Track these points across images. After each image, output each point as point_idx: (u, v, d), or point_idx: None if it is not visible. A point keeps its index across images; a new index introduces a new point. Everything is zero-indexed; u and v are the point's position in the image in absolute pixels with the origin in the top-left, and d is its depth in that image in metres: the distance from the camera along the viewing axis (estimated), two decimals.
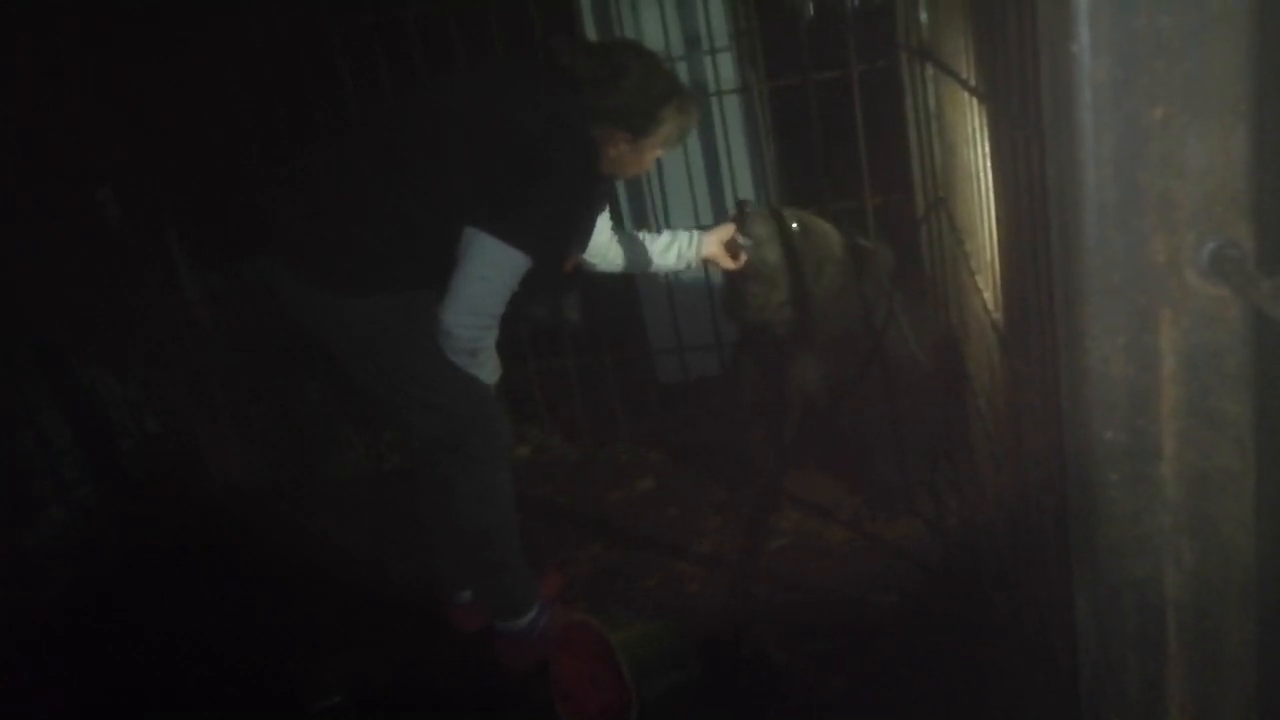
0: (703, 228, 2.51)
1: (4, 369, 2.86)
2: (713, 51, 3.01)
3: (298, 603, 2.41)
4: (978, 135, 1.74)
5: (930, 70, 2.39)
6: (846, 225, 2.59)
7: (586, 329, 3.67)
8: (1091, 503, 0.76)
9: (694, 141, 3.12)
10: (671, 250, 2.35)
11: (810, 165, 2.92)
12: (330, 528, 2.82)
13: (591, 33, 3.06)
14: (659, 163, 3.03)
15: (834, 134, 2.87)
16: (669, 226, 3.11)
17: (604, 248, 2.27)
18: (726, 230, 2.36)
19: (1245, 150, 0.63)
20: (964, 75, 1.82)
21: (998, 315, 1.73)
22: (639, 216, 3.20)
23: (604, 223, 2.24)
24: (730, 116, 3.06)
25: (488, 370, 1.97)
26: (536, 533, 2.68)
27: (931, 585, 2.10)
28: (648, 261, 2.35)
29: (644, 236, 2.35)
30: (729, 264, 2.36)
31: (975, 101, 1.73)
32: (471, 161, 1.82)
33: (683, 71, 3.05)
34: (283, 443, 3.28)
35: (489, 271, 1.81)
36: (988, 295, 1.84)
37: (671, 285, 3.20)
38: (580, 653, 1.93)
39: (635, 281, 3.25)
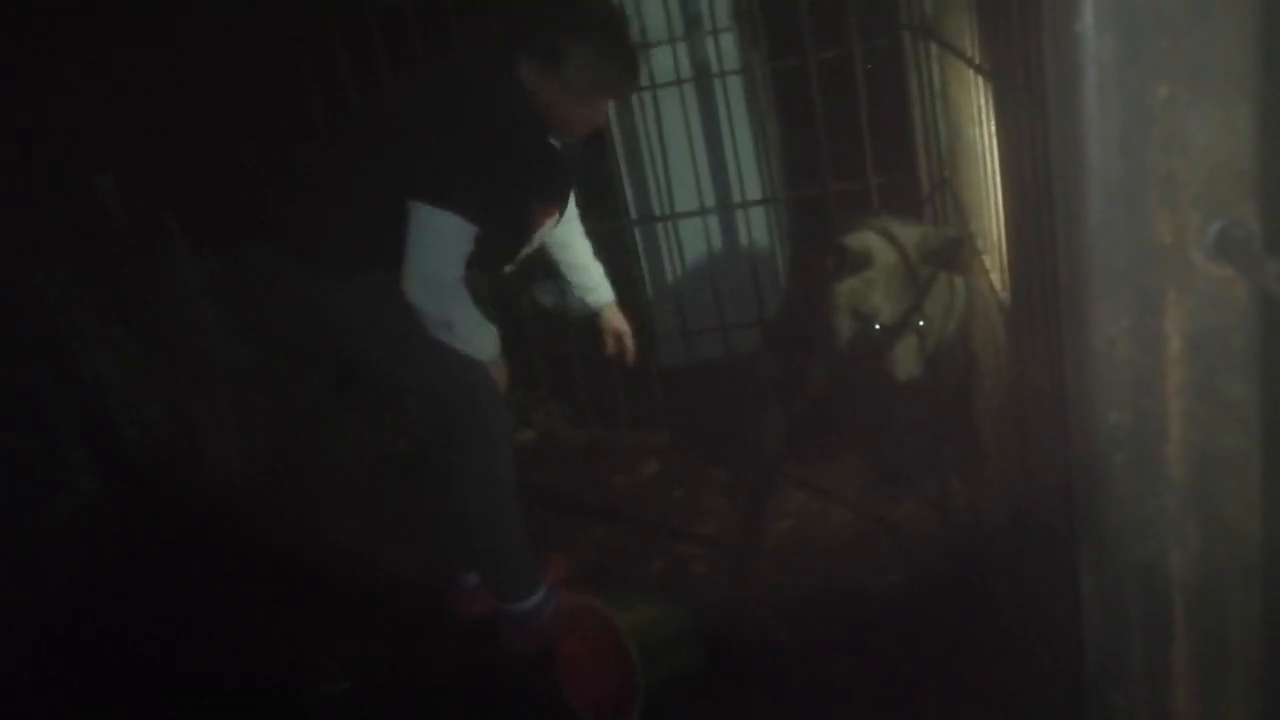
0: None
1: (5, 358, 2.87)
2: (715, 32, 2.98)
3: (301, 590, 2.41)
4: (983, 113, 1.73)
5: (934, 48, 2.37)
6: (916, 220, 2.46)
7: (590, 313, 3.66)
8: (1096, 484, 0.76)
9: (696, 123, 3.10)
10: (588, 282, 2.31)
11: (813, 146, 2.90)
12: (333, 514, 2.83)
13: None
14: (661, 144, 3.03)
15: (837, 114, 2.85)
16: (673, 209, 3.11)
17: (566, 237, 2.23)
18: (623, 327, 2.33)
19: (1250, 128, 0.62)
20: (968, 53, 1.81)
21: (1004, 295, 1.72)
22: (642, 199, 3.19)
23: (571, 211, 2.20)
24: (733, 97, 3.04)
25: (476, 344, 1.94)
26: (542, 517, 2.69)
27: (936, 566, 2.11)
28: (573, 274, 2.31)
29: (585, 253, 2.31)
30: (607, 345, 2.34)
31: (980, 79, 1.71)
32: (414, 135, 1.84)
33: (684, 53, 3.03)
34: (284, 429, 3.28)
35: (427, 238, 1.80)
36: (994, 275, 1.83)
37: (675, 269, 3.19)
38: (586, 636, 1.94)
39: (639, 266, 3.24)
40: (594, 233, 2.59)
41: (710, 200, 3.13)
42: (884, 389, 2.28)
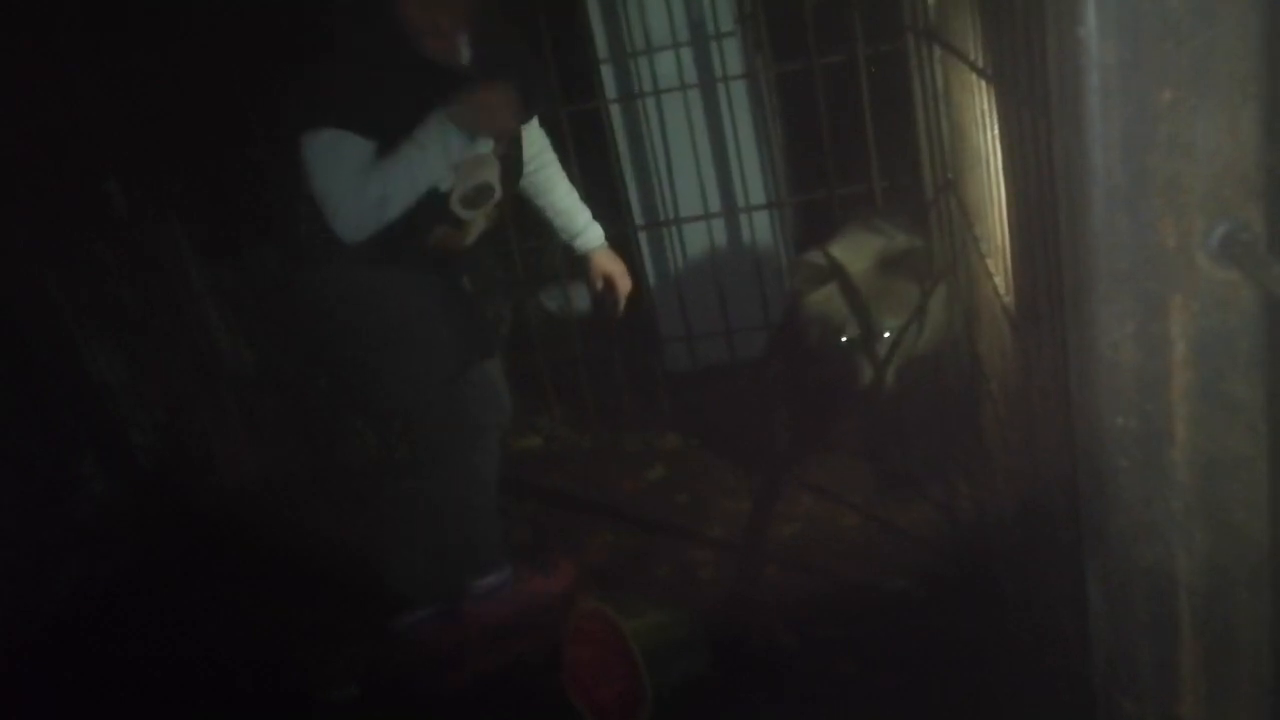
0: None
1: (16, 363, 2.88)
2: (718, 37, 2.99)
3: (310, 594, 2.42)
4: (986, 117, 1.73)
5: (938, 52, 2.37)
6: (886, 222, 2.48)
7: (594, 318, 3.67)
8: (1102, 488, 0.75)
9: (700, 128, 3.10)
10: (575, 226, 2.20)
11: (817, 150, 2.91)
12: (341, 519, 2.83)
13: (597, 18, 3.05)
14: (665, 149, 3.03)
15: (841, 118, 2.86)
16: (677, 214, 3.11)
17: (544, 181, 2.15)
18: (617, 268, 2.23)
19: (1255, 131, 0.62)
20: (972, 57, 1.81)
21: (1009, 299, 1.71)
22: (648, 205, 3.19)
23: (547, 156, 2.14)
24: (737, 102, 3.05)
25: (430, 162, 1.74)
26: (548, 522, 2.69)
27: (943, 571, 2.10)
28: (558, 219, 2.20)
29: (568, 196, 2.20)
30: (595, 288, 2.24)
31: (983, 83, 1.71)
32: (298, 89, 1.84)
33: (688, 57, 3.04)
34: (292, 434, 3.29)
35: (316, 164, 1.73)
36: (999, 279, 1.83)
37: (679, 273, 3.20)
38: (593, 641, 1.94)
39: (644, 270, 3.24)
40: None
41: (714, 205, 3.13)
42: (890, 393, 2.28)
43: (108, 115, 2.86)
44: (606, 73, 3.08)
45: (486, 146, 1.86)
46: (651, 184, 3.14)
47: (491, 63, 1.87)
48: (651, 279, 3.27)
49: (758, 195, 3.14)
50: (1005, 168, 1.57)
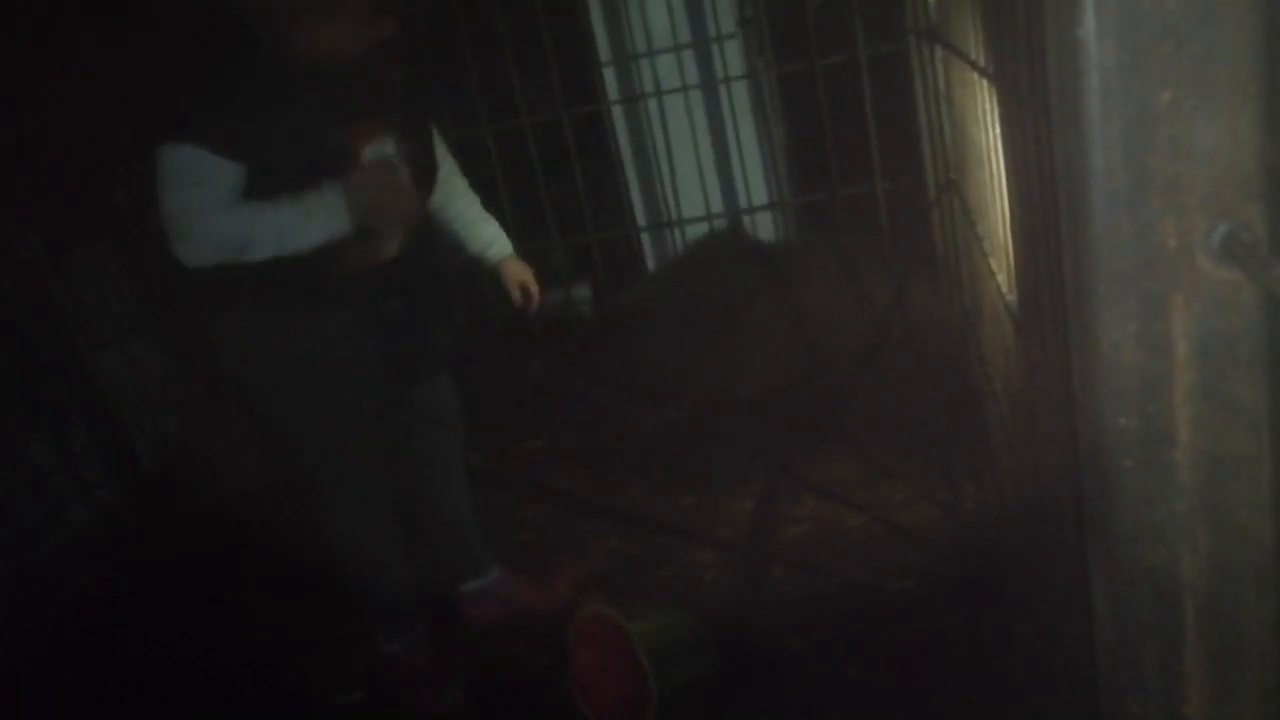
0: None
1: (21, 370, 2.89)
2: (720, 39, 2.99)
3: (315, 599, 2.42)
4: (988, 116, 1.73)
5: (939, 52, 2.37)
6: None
7: (597, 320, 3.67)
8: (1106, 489, 0.75)
9: (703, 129, 3.11)
10: (484, 238, 2.11)
11: (820, 150, 2.91)
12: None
13: (598, 19, 3.05)
14: (668, 151, 3.03)
15: (843, 118, 2.86)
16: (680, 215, 3.11)
17: (445, 195, 2.03)
18: (527, 276, 2.15)
19: (1255, 132, 0.62)
20: (973, 56, 1.81)
21: (1011, 298, 1.71)
22: (650, 205, 3.19)
23: (448, 167, 2.02)
24: (739, 103, 3.05)
25: (310, 228, 1.61)
26: (552, 525, 2.70)
27: (948, 571, 2.10)
28: (466, 231, 2.10)
29: (473, 206, 2.11)
30: (514, 298, 2.13)
31: (985, 82, 1.71)
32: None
33: (690, 59, 3.04)
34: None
35: (162, 179, 1.62)
36: (1001, 278, 1.83)
37: None
38: (598, 644, 1.94)
39: (644, 272, 3.24)
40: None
41: (717, 206, 3.14)
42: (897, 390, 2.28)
43: (115, 120, 2.86)
44: (609, 75, 3.08)
45: (390, 147, 1.76)
46: (654, 185, 3.14)
47: (374, 75, 1.74)
48: None
49: (760, 196, 3.14)
50: (1007, 167, 1.57)
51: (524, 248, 3.07)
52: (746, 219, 3.15)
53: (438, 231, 2.04)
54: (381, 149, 1.74)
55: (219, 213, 1.60)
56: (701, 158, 3.09)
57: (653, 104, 3.05)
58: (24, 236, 2.82)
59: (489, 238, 2.11)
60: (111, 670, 2.37)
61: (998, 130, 1.64)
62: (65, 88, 2.79)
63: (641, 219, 3.22)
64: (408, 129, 1.81)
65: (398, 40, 1.72)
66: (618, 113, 3.10)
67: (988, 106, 1.72)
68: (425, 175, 1.87)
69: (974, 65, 1.79)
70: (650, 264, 3.26)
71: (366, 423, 1.92)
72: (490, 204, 2.72)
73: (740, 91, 3.05)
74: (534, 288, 2.14)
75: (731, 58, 3.02)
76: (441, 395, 2.10)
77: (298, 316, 1.78)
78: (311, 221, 1.61)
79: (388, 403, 1.97)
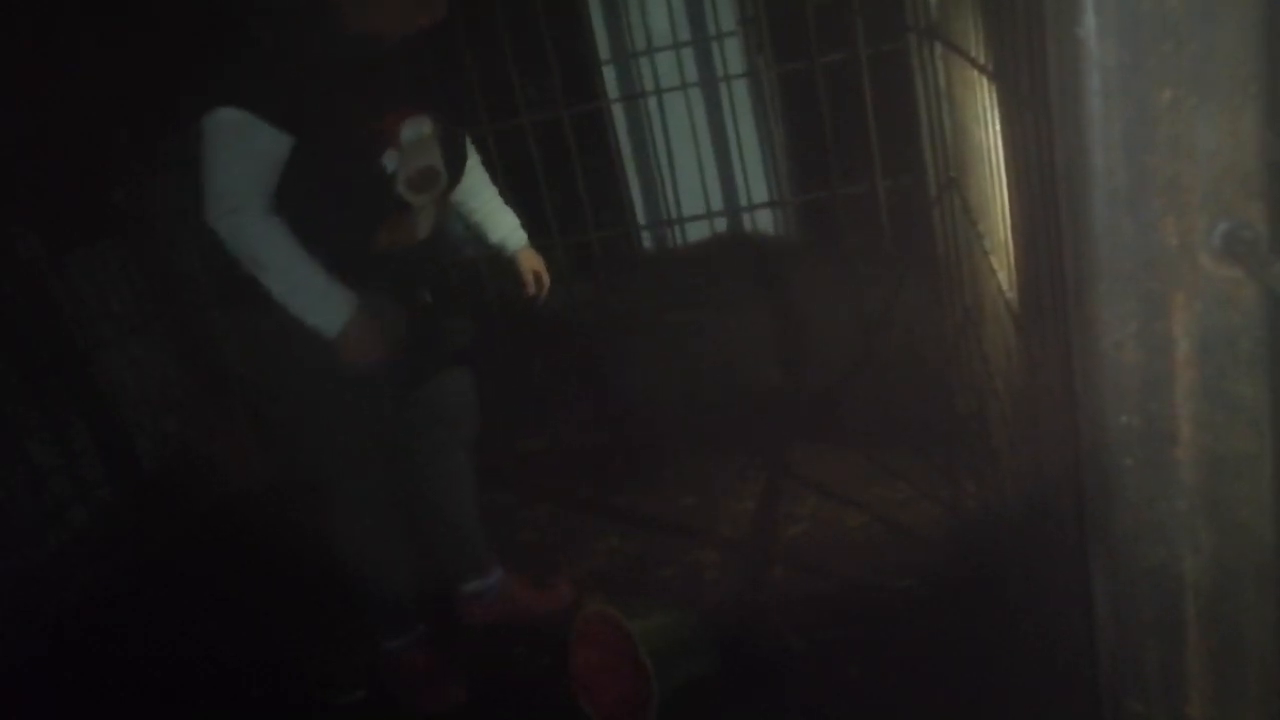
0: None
1: (23, 370, 2.89)
2: (720, 37, 2.99)
3: (316, 599, 2.42)
4: (988, 114, 1.73)
5: (939, 49, 2.37)
6: None
7: (597, 319, 3.67)
8: (1107, 488, 0.75)
9: (703, 127, 3.11)
10: (503, 229, 2.15)
11: (820, 149, 2.91)
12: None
13: (598, 19, 3.05)
14: (668, 149, 3.03)
15: (843, 116, 2.86)
16: (680, 213, 3.11)
17: (471, 185, 2.07)
18: (539, 265, 2.19)
19: (1256, 130, 0.62)
20: (973, 54, 1.80)
21: (1012, 296, 1.71)
22: (650, 203, 3.19)
23: (472, 159, 2.04)
24: (739, 101, 3.05)
25: (303, 300, 1.67)
26: (554, 525, 2.70)
27: (950, 570, 2.10)
28: (487, 222, 2.14)
29: (495, 198, 2.16)
30: (528, 285, 2.18)
31: (985, 80, 1.71)
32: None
33: (690, 58, 3.04)
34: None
35: (211, 148, 1.63)
36: (1002, 276, 1.83)
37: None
38: (599, 644, 1.94)
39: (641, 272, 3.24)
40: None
41: (717, 204, 3.14)
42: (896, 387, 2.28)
43: (115, 119, 2.86)
44: (608, 73, 3.08)
45: (427, 127, 1.78)
46: (654, 183, 3.14)
47: (415, 58, 1.81)
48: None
49: (760, 194, 3.14)
50: (1007, 165, 1.57)
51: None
52: (746, 217, 3.15)
53: (447, 229, 2.05)
54: (419, 129, 1.77)
55: (256, 209, 1.63)
56: (702, 155, 3.09)
57: (653, 102, 3.04)
58: (24, 236, 2.82)
59: (508, 228, 2.16)
60: (112, 670, 2.37)
61: (998, 128, 1.64)
62: (65, 86, 2.79)
63: (642, 217, 3.22)
64: (443, 113, 1.85)
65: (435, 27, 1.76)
66: (618, 111, 3.10)
67: (988, 104, 1.71)
68: (457, 160, 1.90)
69: (974, 63, 1.79)
70: (650, 262, 3.26)
71: (375, 418, 1.91)
72: None
73: (740, 89, 3.05)
74: (545, 277, 2.20)
75: (731, 56, 3.02)
76: (450, 393, 2.09)
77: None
78: (317, 306, 1.67)
79: (397, 399, 1.96)
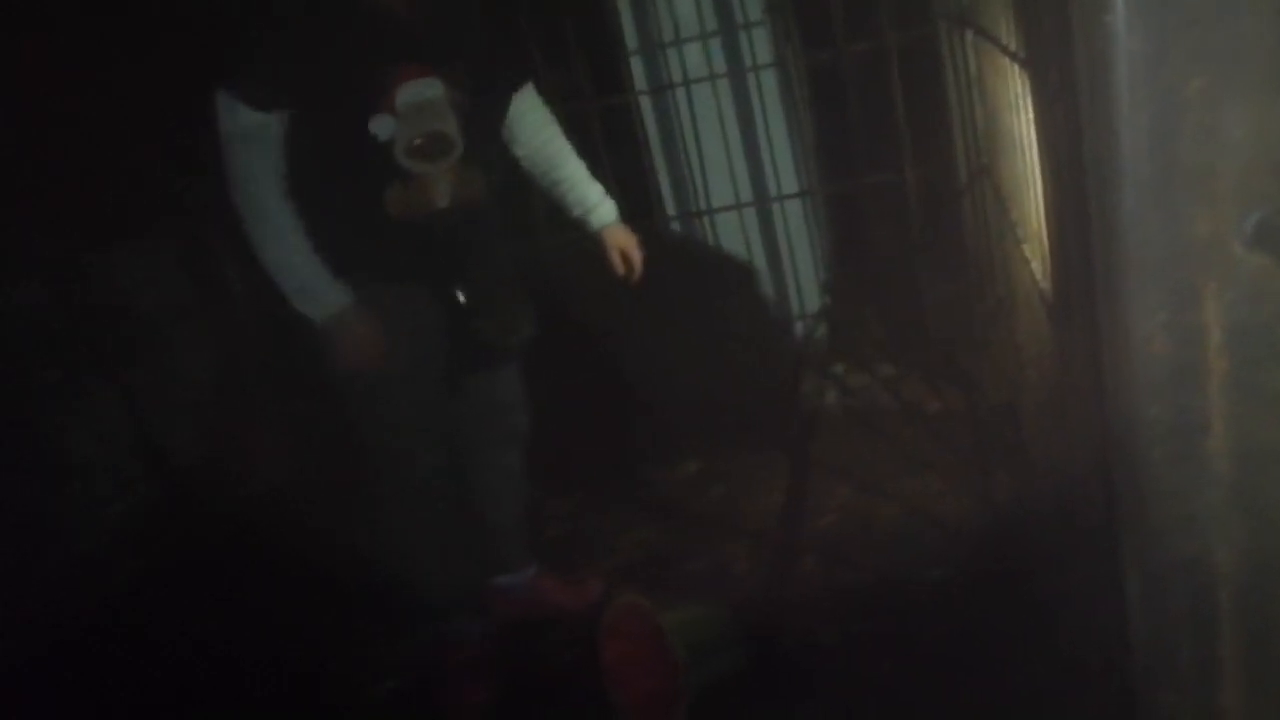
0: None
1: (63, 365, 2.94)
2: (747, 26, 2.97)
3: (352, 592, 2.45)
4: (1020, 101, 1.71)
5: (970, 36, 2.34)
6: None
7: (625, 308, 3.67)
8: (1138, 481, 0.75)
9: (730, 118, 3.09)
10: (589, 200, 2.03)
11: (849, 138, 2.88)
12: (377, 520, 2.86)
13: (625, 9, 3.04)
14: (696, 140, 3.02)
15: (873, 105, 2.83)
16: (709, 205, 3.10)
17: (553, 155, 2.02)
18: (630, 242, 2.07)
19: None
20: (1004, 41, 1.78)
21: (1046, 286, 1.69)
22: (679, 195, 3.19)
23: (548, 128, 2.01)
24: (767, 91, 3.03)
25: (287, 285, 1.71)
26: (580, 518, 2.71)
27: (982, 563, 2.08)
28: (572, 193, 2.04)
29: (579, 170, 2.04)
30: (615, 266, 2.06)
31: (1017, 68, 1.69)
32: None
33: (717, 48, 3.02)
34: (331, 438, 3.33)
35: (222, 138, 1.65)
36: (1036, 265, 1.81)
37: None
38: (630, 637, 1.95)
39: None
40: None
41: (747, 194, 3.13)
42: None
43: (152, 103, 2.88)
44: (636, 64, 3.08)
45: (434, 90, 1.70)
46: (683, 175, 3.13)
47: (440, 17, 1.75)
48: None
49: (789, 184, 3.12)
50: (1040, 154, 1.55)
51: (552, 240, 3.10)
52: (776, 207, 3.13)
53: (495, 215, 1.93)
54: (423, 91, 1.69)
55: (254, 199, 1.67)
56: (730, 146, 3.08)
57: (680, 93, 3.04)
58: (69, 229, 2.87)
59: (593, 201, 2.02)
60: (154, 660, 2.41)
61: (1031, 116, 1.62)
62: (113, 78, 2.82)
63: (671, 208, 3.22)
64: (471, 79, 1.76)
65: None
66: (645, 102, 3.10)
67: (1020, 91, 1.69)
68: (482, 124, 1.81)
69: (1005, 50, 1.77)
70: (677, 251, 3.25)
71: (415, 407, 1.89)
72: (518, 195, 2.71)
73: (768, 79, 3.04)
74: (637, 256, 2.05)
75: (759, 45, 3.01)
76: (499, 386, 2.04)
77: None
78: (296, 293, 1.71)
79: (443, 388, 1.93)
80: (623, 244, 2.04)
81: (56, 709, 2.31)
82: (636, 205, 3.22)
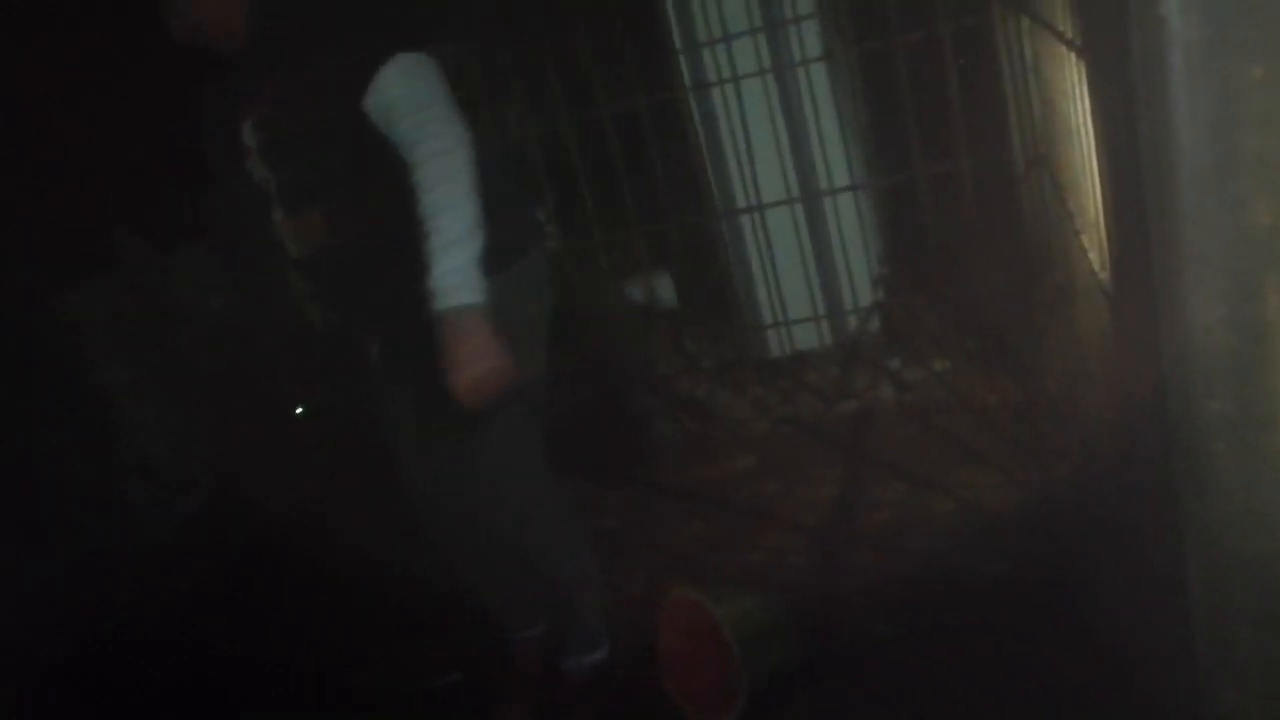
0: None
1: (132, 367, 3.04)
2: (796, 20, 2.96)
3: (409, 588, 2.48)
4: (1077, 89, 1.68)
5: (1025, 24, 2.30)
6: None
7: (679, 308, 3.68)
8: (1199, 475, 0.74)
9: (779, 112, 3.08)
10: (434, 269, 1.49)
11: (902, 130, 2.85)
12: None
13: (673, 6, 3.05)
14: (745, 136, 3.01)
15: (925, 96, 2.80)
16: (760, 200, 3.08)
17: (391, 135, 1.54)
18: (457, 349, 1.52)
19: None
20: (1060, 27, 1.75)
21: (1105, 277, 1.66)
22: (729, 192, 3.18)
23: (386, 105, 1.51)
24: (817, 85, 3.01)
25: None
26: (635, 514, 2.72)
27: (1040, 557, 2.05)
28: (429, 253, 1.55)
29: (435, 245, 1.50)
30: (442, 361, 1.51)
31: (1073, 55, 1.66)
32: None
33: (765, 43, 3.01)
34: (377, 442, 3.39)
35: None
36: (1094, 256, 1.77)
37: (765, 260, 3.18)
38: (686, 631, 1.96)
39: (727, 258, 3.24)
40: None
41: (796, 189, 3.11)
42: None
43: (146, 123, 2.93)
44: (684, 61, 3.08)
45: (248, 136, 1.59)
46: (733, 171, 3.13)
47: (271, 50, 1.57)
48: (735, 266, 3.27)
49: (842, 178, 3.10)
50: (1097, 143, 1.52)
51: (604, 236, 3.12)
52: (827, 201, 3.11)
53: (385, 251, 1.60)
54: (249, 134, 1.59)
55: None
56: (780, 141, 3.06)
57: (729, 89, 3.03)
58: (130, 236, 2.95)
59: (434, 277, 1.48)
60: (214, 655, 2.48)
61: (1088, 105, 1.59)
62: (162, 86, 2.89)
63: (720, 204, 3.21)
64: (289, 111, 1.55)
65: (300, 25, 1.55)
66: (694, 99, 3.10)
67: (1076, 79, 1.66)
68: (299, 163, 1.58)
69: (1061, 38, 1.74)
70: (730, 250, 3.25)
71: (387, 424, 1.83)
72: (570, 195, 2.74)
73: (818, 73, 3.01)
74: (466, 371, 1.49)
75: (809, 39, 2.99)
76: (473, 456, 1.78)
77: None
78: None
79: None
80: (452, 343, 1.48)
81: (121, 694, 2.39)
82: (687, 202, 3.23)
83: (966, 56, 2.72)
